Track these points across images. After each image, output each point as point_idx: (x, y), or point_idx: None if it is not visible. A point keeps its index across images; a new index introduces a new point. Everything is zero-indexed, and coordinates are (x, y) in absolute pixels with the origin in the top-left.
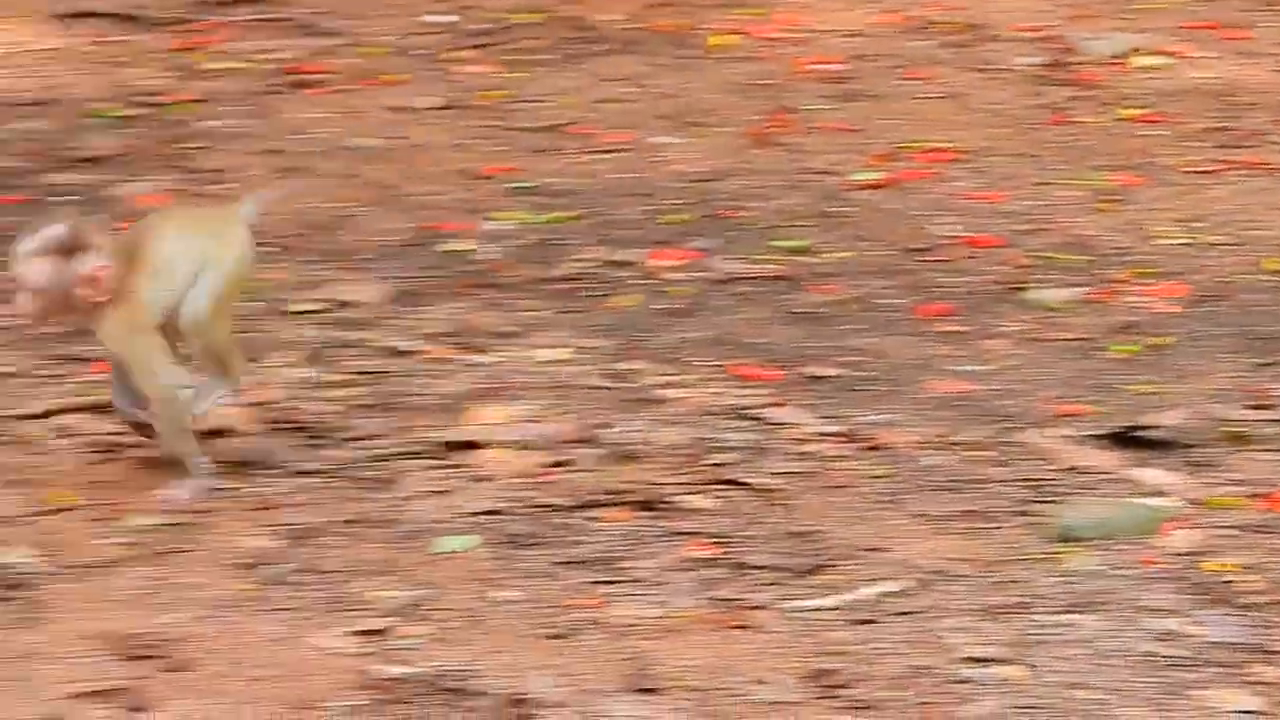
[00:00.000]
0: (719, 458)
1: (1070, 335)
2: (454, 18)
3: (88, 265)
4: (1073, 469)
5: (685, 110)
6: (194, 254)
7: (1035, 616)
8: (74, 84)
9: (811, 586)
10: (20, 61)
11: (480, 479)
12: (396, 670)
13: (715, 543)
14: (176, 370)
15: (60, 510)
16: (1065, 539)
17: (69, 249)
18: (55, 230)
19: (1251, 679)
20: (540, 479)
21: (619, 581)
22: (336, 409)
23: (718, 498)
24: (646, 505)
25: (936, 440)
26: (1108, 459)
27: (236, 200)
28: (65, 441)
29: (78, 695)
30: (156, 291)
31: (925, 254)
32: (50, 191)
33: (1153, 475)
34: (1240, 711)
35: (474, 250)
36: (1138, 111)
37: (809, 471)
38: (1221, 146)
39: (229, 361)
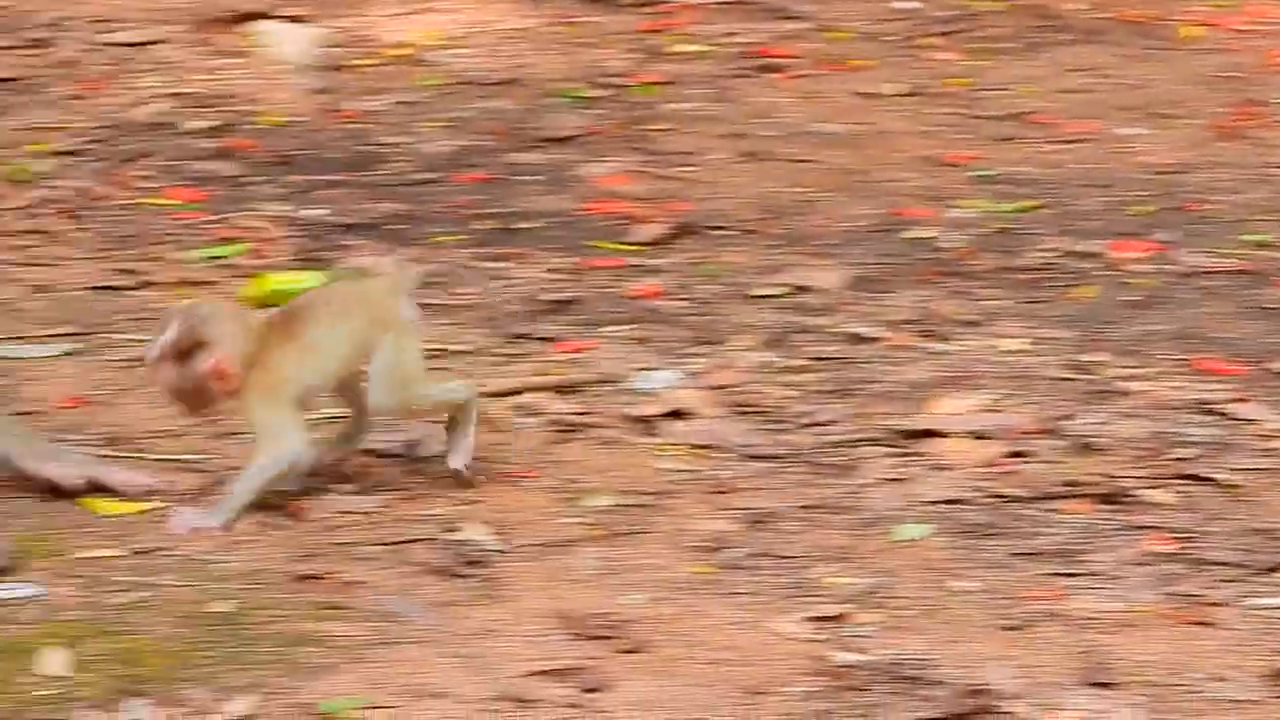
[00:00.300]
0: (1181, 452)
1: None
2: (919, 4)
3: (207, 362)
4: None
5: (1151, 101)
6: (351, 340)
7: None
8: (538, 64)
9: (1274, 584)
10: (485, 41)
11: (939, 468)
12: (852, 657)
13: (1175, 538)
14: (299, 440)
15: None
16: None
17: (185, 350)
18: (169, 334)
19: None
20: (999, 469)
21: (1077, 574)
22: (795, 394)
23: (1179, 492)
24: (1106, 498)
25: None
26: None
27: (393, 273)
28: (527, 420)
29: (533, 674)
30: (302, 371)
31: None
32: (512, 171)
33: None
34: None
35: (937, 238)
36: None
37: (1273, 468)
38: None
39: (451, 409)
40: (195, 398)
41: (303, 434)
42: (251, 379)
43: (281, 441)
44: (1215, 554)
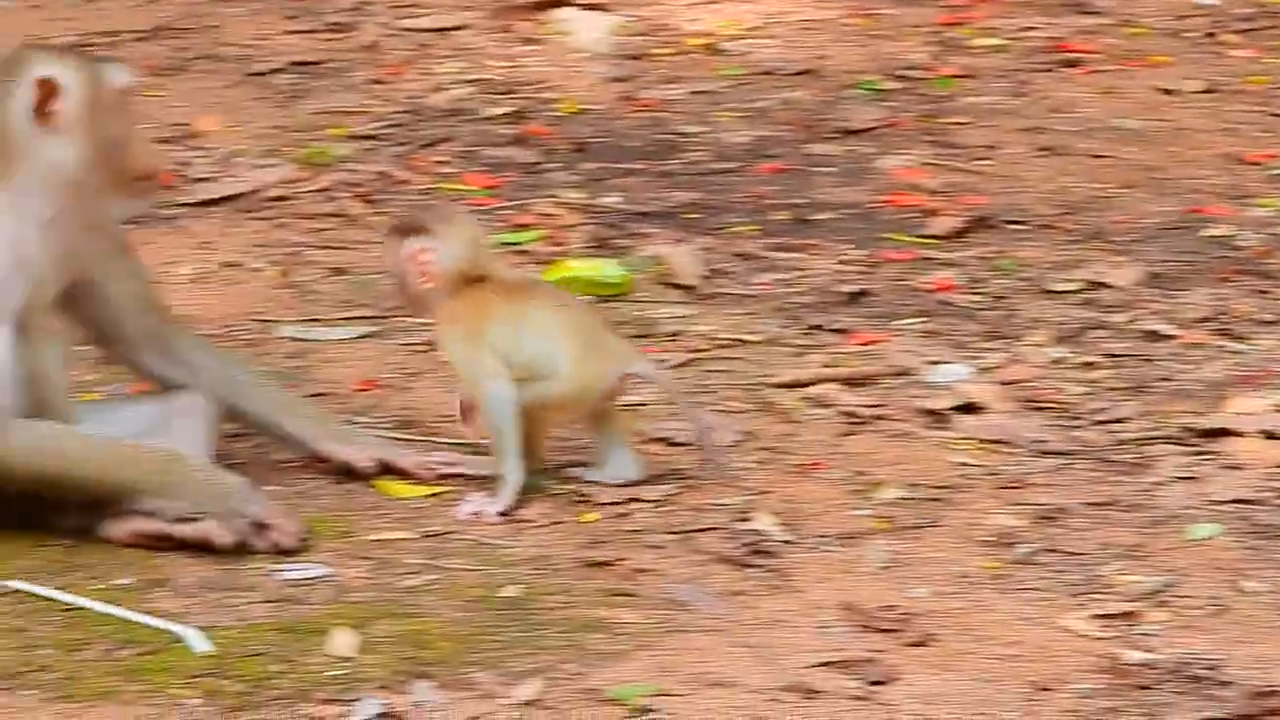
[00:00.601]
0: None
1: None
2: (1219, 1)
3: (412, 247)
4: None
5: None
6: (548, 353)
7: None
8: (836, 55)
9: None
10: (783, 32)
11: (1232, 467)
12: (1140, 656)
13: None
14: (499, 377)
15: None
16: None
17: (404, 232)
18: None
19: None
20: None
21: None
22: (1088, 390)
23: None
24: None
25: None
26: None
27: (637, 351)
28: (817, 411)
29: (820, 665)
30: (501, 331)
31: None
32: (809, 162)
33: None
34: None
35: (1234, 236)
36: None
37: None
38: None
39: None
40: (401, 282)
41: (496, 374)
42: (455, 309)
43: (483, 390)
44: None
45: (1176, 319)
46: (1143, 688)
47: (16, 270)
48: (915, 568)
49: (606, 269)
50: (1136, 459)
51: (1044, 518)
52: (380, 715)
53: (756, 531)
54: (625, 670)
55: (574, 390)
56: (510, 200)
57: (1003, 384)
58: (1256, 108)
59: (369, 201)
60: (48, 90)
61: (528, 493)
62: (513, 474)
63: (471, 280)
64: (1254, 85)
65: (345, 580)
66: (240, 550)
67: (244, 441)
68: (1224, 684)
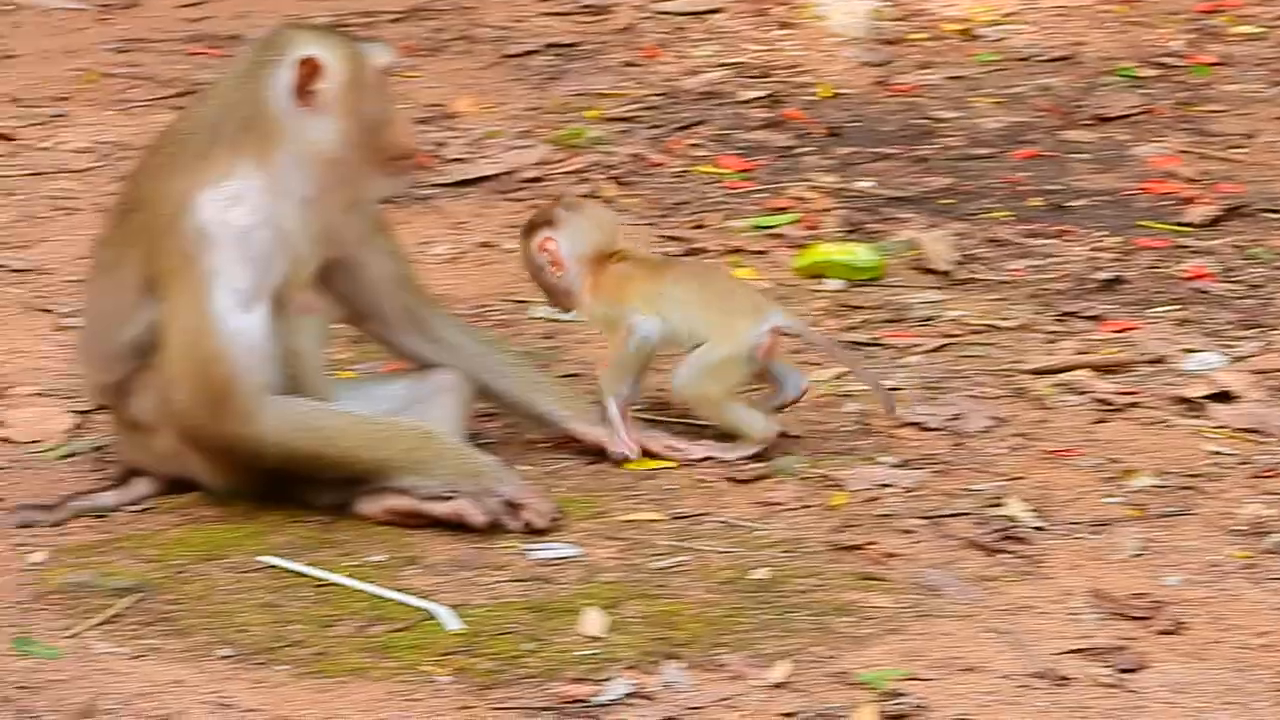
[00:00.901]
0: None
1: None
2: None
3: (537, 240)
4: None
5: None
6: (691, 321)
7: None
8: (1092, 41)
9: None
10: (1037, 18)
11: None
12: None
13: None
14: (646, 316)
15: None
16: None
17: (530, 228)
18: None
19: None
20: None
21: None
22: None
23: None
24: None
25: None
26: None
27: (775, 304)
28: (1070, 398)
29: (1070, 652)
30: (641, 305)
31: None
32: (1064, 148)
33: None
34: None
35: None
36: None
37: None
38: None
39: (731, 428)
40: (536, 276)
41: (643, 313)
42: (595, 286)
43: (629, 325)
44: None
45: None
46: None
47: (276, 248)
48: (1166, 555)
49: (860, 253)
50: None
51: None
52: (630, 695)
53: (1008, 517)
54: (874, 654)
55: (726, 352)
56: (764, 184)
57: (1257, 373)
58: None
59: (623, 184)
60: (309, 70)
61: (778, 475)
62: (614, 400)
63: (606, 265)
64: None
65: (596, 560)
66: (492, 529)
67: (496, 421)
68: None
